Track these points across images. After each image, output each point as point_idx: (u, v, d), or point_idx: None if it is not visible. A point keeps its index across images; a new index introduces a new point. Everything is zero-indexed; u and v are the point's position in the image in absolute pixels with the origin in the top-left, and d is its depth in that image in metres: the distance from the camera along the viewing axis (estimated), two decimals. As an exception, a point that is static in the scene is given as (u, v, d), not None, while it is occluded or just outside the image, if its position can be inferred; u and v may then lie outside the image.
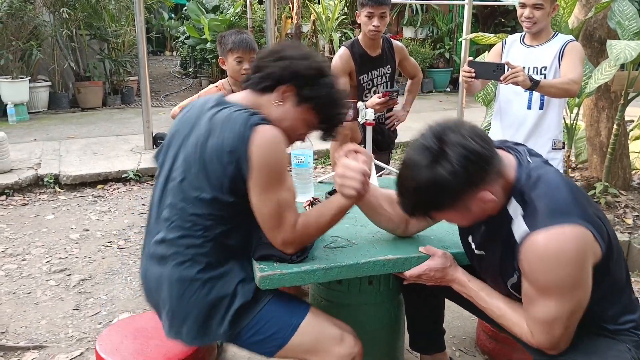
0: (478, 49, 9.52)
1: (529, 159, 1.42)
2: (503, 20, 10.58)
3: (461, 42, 8.23)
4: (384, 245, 1.72)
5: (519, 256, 1.34)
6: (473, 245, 1.57)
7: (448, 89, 10.68)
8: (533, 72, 2.72)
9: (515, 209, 1.37)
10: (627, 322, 1.44)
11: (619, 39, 3.36)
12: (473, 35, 3.98)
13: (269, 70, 1.55)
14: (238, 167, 1.45)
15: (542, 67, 2.72)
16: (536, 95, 2.70)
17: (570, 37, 2.74)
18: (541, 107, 2.72)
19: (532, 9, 2.63)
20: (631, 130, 4.60)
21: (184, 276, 1.52)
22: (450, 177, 1.28)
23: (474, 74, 2.56)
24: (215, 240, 1.52)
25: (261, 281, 1.53)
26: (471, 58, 2.64)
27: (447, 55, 10.60)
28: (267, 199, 1.47)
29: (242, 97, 1.60)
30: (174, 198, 1.54)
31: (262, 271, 1.54)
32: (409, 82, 3.44)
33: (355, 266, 1.60)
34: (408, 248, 1.69)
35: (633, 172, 4.21)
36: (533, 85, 2.47)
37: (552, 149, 2.76)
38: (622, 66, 3.48)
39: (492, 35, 3.77)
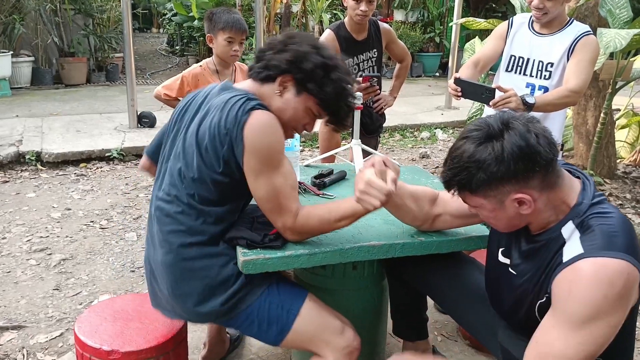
0: (468, 33, 9.48)
1: (595, 191, 1.34)
2: (494, 5, 10.54)
3: (452, 26, 8.19)
4: (369, 231, 1.70)
5: (559, 276, 1.25)
6: (505, 260, 1.48)
7: (437, 74, 10.65)
8: (538, 66, 2.45)
9: (571, 231, 1.29)
10: None
11: (610, 27, 3.35)
12: (464, 20, 3.95)
13: (270, 60, 1.53)
14: (231, 149, 1.45)
15: (549, 64, 2.41)
16: (540, 91, 2.42)
17: (586, 27, 2.38)
18: None
19: None
20: (617, 119, 4.62)
21: (181, 255, 1.53)
22: (493, 161, 1.22)
23: (459, 93, 2.29)
24: (211, 222, 1.53)
25: (244, 265, 1.51)
26: (457, 75, 2.33)
27: (437, 39, 10.55)
28: (262, 183, 1.47)
29: (246, 85, 1.60)
30: (171, 182, 1.56)
31: (245, 255, 1.52)
32: (397, 66, 3.38)
33: (339, 252, 1.58)
34: (393, 234, 1.67)
35: (618, 161, 4.24)
36: (527, 109, 2.19)
37: None
38: (611, 55, 3.48)
39: (482, 20, 3.75)
